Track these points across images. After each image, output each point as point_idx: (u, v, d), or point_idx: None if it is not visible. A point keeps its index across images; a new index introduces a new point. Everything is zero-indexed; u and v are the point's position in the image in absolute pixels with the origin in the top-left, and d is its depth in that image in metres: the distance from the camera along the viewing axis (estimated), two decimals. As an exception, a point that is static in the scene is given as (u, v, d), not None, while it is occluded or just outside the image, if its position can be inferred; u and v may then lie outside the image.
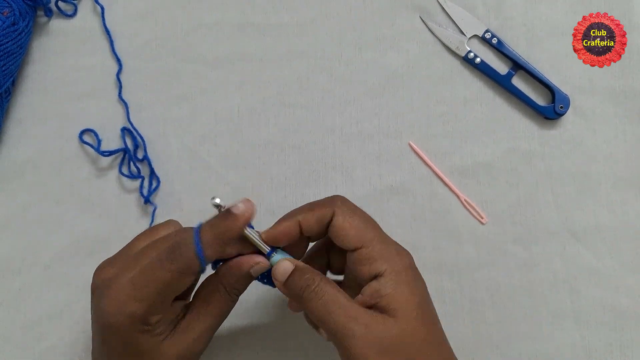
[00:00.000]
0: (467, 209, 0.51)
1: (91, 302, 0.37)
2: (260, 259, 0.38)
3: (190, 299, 0.40)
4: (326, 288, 0.36)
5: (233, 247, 0.38)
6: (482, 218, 0.51)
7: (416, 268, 0.38)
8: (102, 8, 0.53)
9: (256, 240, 0.38)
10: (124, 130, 0.51)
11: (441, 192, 0.52)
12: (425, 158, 0.52)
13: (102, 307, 0.35)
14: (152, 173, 0.51)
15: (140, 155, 0.51)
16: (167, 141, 0.52)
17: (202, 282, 0.40)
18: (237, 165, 0.52)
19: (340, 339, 0.34)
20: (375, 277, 0.36)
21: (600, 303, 0.50)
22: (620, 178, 0.52)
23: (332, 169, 0.52)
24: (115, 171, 0.51)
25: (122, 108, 0.52)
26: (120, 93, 0.52)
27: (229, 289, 0.38)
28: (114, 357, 0.37)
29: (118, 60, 0.52)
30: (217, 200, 0.37)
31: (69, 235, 0.51)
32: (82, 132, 0.52)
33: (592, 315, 0.50)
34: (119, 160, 0.52)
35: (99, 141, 0.51)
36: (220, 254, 0.37)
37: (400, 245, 0.39)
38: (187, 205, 0.51)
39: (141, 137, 0.51)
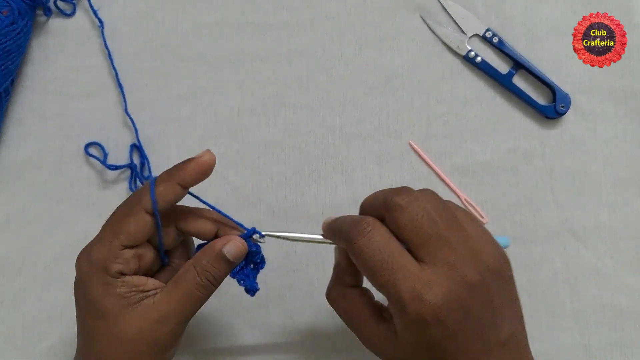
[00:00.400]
0: (467, 209, 0.51)
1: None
2: (234, 238, 0.38)
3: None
4: (346, 298, 0.37)
5: (201, 219, 0.39)
6: (482, 218, 0.51)
7: (441, 314, 0.32)
8: (102, 23, 0.52)
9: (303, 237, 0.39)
10: (132, 146, 0.51)
11: (441, 192, 0.51)
12: (426, 158, 0.52)
13: (75, 265, 0.37)
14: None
15: (145, 172, 0.51)
16: (167, 141, 0.52)
17: (181, 268, 0.39)
18: (237, 165, 0.52)
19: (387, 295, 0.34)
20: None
21: (600, 303, 0.50)
22: (621, 178, 0.52)
23: (332, 169, 0.52)
24: (115, 171, 0.51)
25: (121, 106, 0.52)
26: (126, 108, 0.52)
27: (199, 271, 0.37)
28: (80, 317, 0.38)
29: (120, 88, 0.52)
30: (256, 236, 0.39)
31: (69, 235, 0.50)
32: (88, 145, 0.51)
33: (592, 314, 0.50)
34: (118, 159, 0.52)
35: (105, 154, 0.51)
36: (175, 194, 0.37)
37: (440, 277, 0.32)
38: (187, 204, 0.51)
39: (146, 157, 0.51)
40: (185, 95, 0.52)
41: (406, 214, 0.33)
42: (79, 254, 0.37)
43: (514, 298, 0.36)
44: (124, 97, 0.52)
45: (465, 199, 0.51)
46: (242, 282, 0.40)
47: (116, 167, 0.51)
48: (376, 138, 0.52)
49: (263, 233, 0.40)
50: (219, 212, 0.40)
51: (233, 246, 0.38)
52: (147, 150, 0.51)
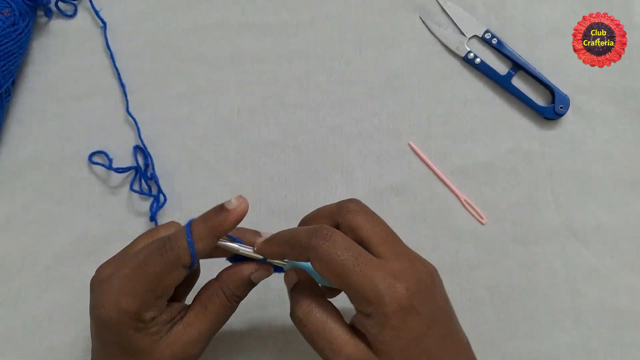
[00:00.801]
0: (467, 209, 0.51)
1: (90, 301, 0.38)
2: (261, 266, 0.39)
3: (188, 302, 0.40)
4: (314, 313, 0.36)
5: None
6: (482, 218, 0.51)
7: (418, 298, 0.33)
8: (104, 24, 0.52)
9: (248, 252, 0.39)
10: (136, 148, 0.51)
11: (441, 192, 0.52)
12: (425, 158, 0.52)
13: (98, 302, 0.36)
14: (160, 191, 0.50)
15: (149, 171, 0.51)
16: (167, 141, 0.52)
17: (203, 286, 0.40)
18: (237, 165, 0.52)
19: None
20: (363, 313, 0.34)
21: (600, 303, 0.50)
22: (620, 178, 0.52)
23: (332, 169, 0.52)
24: (115, 171, 0.52)
25: (122, 105, 0.52)
26: (127, 108, 0.52)
27: (227, 294, 0.38)
28: (110, 354, 0.37)
29: (122, 87, 0.52)
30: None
31: (69, 235, 0.50)
32: (92, 154, 0.51)
33: (592, 314, 0.50)
34: (118, 159, 0.52)
35: (110, 160, 0.51)
36: (211, 247, 0.37)
37: (405, 267, 0.34)
38: (187, 205, 0.51)
39: (150, 157, 0.51)
40: (185, 95, 0.53)
41: (362, 215, 0.37)
42: (105, 302, 0.36)
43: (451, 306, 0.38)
44: (125, 97, 0.52)
45: (465, 200, 0.51)
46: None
47: (122, 170, 0.50)
48: (376, 138, 0.52)
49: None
50: (240, 243, 0.39)
51: (261, 274, 0.39)
52: (147, 150, 0.52)
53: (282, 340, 0.50)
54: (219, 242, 0.38)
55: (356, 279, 0.33)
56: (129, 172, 0.51)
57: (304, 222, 0.40)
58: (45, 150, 0.52)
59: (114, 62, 0.52)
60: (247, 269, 0.39)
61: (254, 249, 0.39)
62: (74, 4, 0.53)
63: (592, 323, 0.50)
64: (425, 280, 0.35)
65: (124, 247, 0.40)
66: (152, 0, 0.54)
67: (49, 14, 0.53)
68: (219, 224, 0.36)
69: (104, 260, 0.40)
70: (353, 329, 0.35)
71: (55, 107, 0.52)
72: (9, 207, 0.51)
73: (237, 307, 0.39)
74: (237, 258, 0.40)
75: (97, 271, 0.39)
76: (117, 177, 0.51)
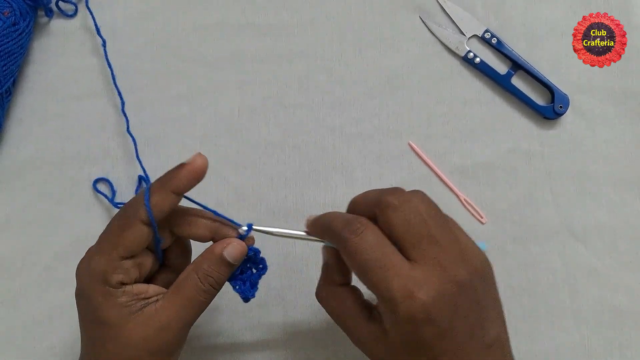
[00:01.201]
0: (467, 209, 0.51)
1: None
2: (234, 240, 0.38)
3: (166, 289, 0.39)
4: (335, 297, 0.38)
5: (196, 222, 0.39)
6: (481, 218, 0.51)
7: (434, 312, 0.32)
8: (104, 42, 0.52)
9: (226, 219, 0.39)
10: (140, 179, 0.51)
11: (441, 192, 0.52)
12: (425, 158, 0.52)
13: (76, 275, 0.37)
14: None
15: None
16: (168, 141, 0.52)
17: (182, 273, 0.39)
18: (237, 165, 0.52)
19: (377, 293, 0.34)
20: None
21: (599, 302, 0.50)
22: (620, 178, 0.52)
23: (332, 169, 0.52)
24: (115, 170, 0.51)
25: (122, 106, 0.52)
26: (128, 128, 0.51)
27: (200, 276, 0.37)
28: (83, 326, 0.38)
29: (117, 90, 0.52)
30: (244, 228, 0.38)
31: (70, 234, 0.51)
32: (96, 181, 0.51)
33: (592, 314, 0.50)
34: (119, 161, 0.52)
35: (114, 192, 0.51)
36: (168, 203, 0.36)
37: (426, 279, 0.33)
38: (187, 205, 0.51)
39: (147, 177, 0.50)
40: (185, 96, 0.53)
41: (399, 213, 0.34)
42: (79, 264, 0.38)
43: (497, 301, 0.37)
44: (121, 98, 0.51)
45: (465, 199, 0.51)
46: (237, 287, 0.40)
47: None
48: (376, 138, 0.52)
49: (253, 227, 0.39)
50: (214, 212, 0.39)
51: (233, 248, 0.38)
52: (147, 151, 0.52)
53: (282, 339, 0.50)
54: (257, 228, 0.38)
55: (375, 280, 0.33)
56: (128, 171, 0.51)
57: (352, 204, 0.39)
58: (46, 150, 0.52)
59: (114, 79, 0.52)
60: (218, 245, 0.38)
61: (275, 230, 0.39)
62: (74, 4, 0.53)
63: (591, 322, 0.50)
64: (449, 290, 0.33)
65: None
66: (152, 0, 0.54)
67: (49, 14, 0.53)
68: (172, 177, 0.36)
69: None
70: (376, 310, 0.36)
71: (56, 107, 0.52)
72: (9, 207, 0.51)
73: (214, 293, 0.38)
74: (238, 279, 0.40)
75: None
76: (117, 177, 0.51)
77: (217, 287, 0.38)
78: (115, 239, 0.36)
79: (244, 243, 0.39)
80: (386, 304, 0.33)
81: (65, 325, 0.49)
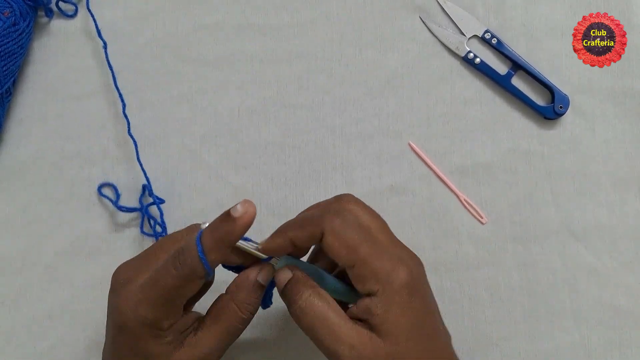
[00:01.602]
0: (467, 209, 0.51)
1: (108, 300, 0.38)
2: (263, 265, 0.38)
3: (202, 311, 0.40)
4: (314, 303, 0.36)
5: (238, 253, 0.38)
6: (481, 218, 0.51)
7: (418, 282, 0.36)
8: (105, 44, 0.52)
9: (251, 250, 0.38)
10: (144, 188, 0.51)
11: (441, 192, 0.52)
12: (425, 158, 0.52)
13: (117, 307, 0.36)
14: (163, 228, 0.50)
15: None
16: (168, 141, 0.52)
17: (215, 300, 0.39)
18: (237, 166, 0.52)
19: (328, 356, 0.35)
20: (368, 294, 0.35)
21: (599, 302, 0.50)
22: (620, 178, 0.52)
23: (332, 169, 0.52)
24: (116, 170, 0.52)
25: (122, 107, 0.52)
26: (129, 130, 0.51)
27: (238, 304, 0.38)
28: (123, 357, 0.37)
29: (118, 91, 0.52)
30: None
31: (70, 235, 0.51)
32: (101, 186, 0.51)
33: (592, 314, 0.50)
34: (119, 161, 0.52)
35: (118, 195, 0.51)
36: (224, 257, 0.36)
37: (404, 254, 0.37)
38: (188, 205, 0.51)
39: (148, 180, 0.50)
40: (185, 96, 0.53)
41: (360, 206, 0.39)
42: (122, 302, 0.36)
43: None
44: (122, 100, 0.51)
45: (465, 199, 0.51)
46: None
47: (127, 210, 0.50)
48: (376, 138, 0.52)
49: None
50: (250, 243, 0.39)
51: (266, 273, 0.38)
52: (148, 151, 0.52)
53: (282, 339, 0.50)
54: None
55: (368, 254, 0.35)
56: (128, 170, 0.51)
57: (281, 229, 0.39)
58: (46, 150, 0.52)
59: (115, 81, 0.52)
60: (252, 272, 0.38)
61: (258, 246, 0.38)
62: (74, 5, 0.53)
63: (591, 322, 0.50)
64: (420, 269, 0.37)
65: (144, 249, 0.40)
66: (152, 0, 0.54)
67: (49, 14, 0.53)
68: (227, 234, 0.35)
69: (108, 259, 0.40)
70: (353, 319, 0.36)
71: (56, 107, 0.52)
72: (10, 207, 0.51)
73: (251, 318, 0.38)
74: (233, 266, 0.40)
75: (116, 272, 0.38)
76: (117, 178, 0.52)
77: (253, 312, 0.38)
78: (170, 295, 0.35)
79: (271, 267, 0.39)
80: (381, 276, 0.35)
81: (65, 325, 0.49)
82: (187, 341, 0.37)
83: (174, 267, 0.35)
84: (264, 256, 0.38)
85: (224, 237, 0.35)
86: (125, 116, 0.51)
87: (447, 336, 0.38)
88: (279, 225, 0.51)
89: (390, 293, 0.34)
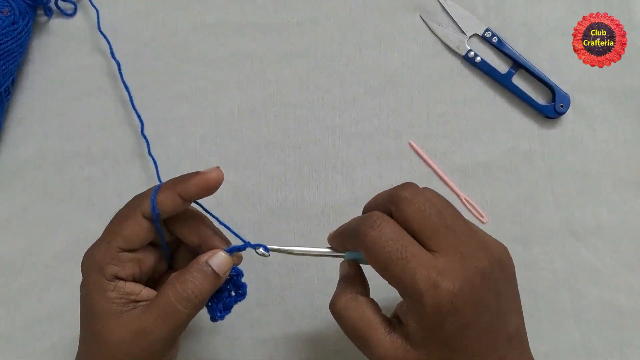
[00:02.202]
0: (468, 209, 0.51)
1: None
2: (220, 251, 0.37)
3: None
4: (353, 309, 0.36)
5: (197, 227, 0.38)
6: (482, 217, 0.51)
7: (459, 303, 0.32)
8: (97, 11, 0.52)
9: (314, 251, 0.39)
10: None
11: (441, 192, 0.51)
12: (426, 157, 0.52)
13: (81, 265, 0.38)
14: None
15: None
16: (168, 141, 0.52)
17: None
18: (237, 165, 0.52)
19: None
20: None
21: (600, 302, 0.50)
22: (620, 177, 0.52)
23: (332, 169, 0.52)
24: (115, 170, 0.51)
25: (122, 105, 0.52)
26: (149, 150, 0.50)
27: (180, 282, 0.36)
28: (80, 319, 0.38)
29: (126, 87, 0.52)
30: (262, 250, 0.38)
31: (70, 234, 0.50)
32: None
33: (592, 314, 0.50)
34: (119, 161, 0.52)
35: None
36: (173, 203, 0.36)
37: (448, 270, 0.32)
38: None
39: (159, 179, 0.49)
40: (185, 95, 0.53)
41: (414, 205, 0.34)
42: (85, 253, 0.38)
43: (517, 293, 0.36)
44: (129, 94, 0.51)
45: (466, 199, 0.51)
46: (208, 304, 0.39)
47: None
48: (376, 138, 0.52)
49: (268, 247, 0.39)
50: (222, 223, 0.39)
51: (218, 258, 0.37)
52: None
53: (283, 339, 0.50)
54: (274, 247, 0.38)
55: (398, 272, 0.32)
56: (128, 170, 0.51)
57: (365, 209, 0.39)
58: (46, 150, 0.52)
59: (121, 76, 0.52)
60: (204, 255, 0.37)
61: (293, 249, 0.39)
62: (73, 3, 0.53)
63: (592, 322, 0.50)
64: (472, 280, 0.33)
65: None
66: (152, 0, 0.54)
67: (48, 12, 0.53)
68: (183, 181, 0.36)
69: None
70: (395, 319, 0.35)
71: (56, 106, 0.52)
72: (9, 207, 0.51)
73: (196, 302, 0.36)
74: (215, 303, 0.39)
75: None
76: (117, 178, 0.51)
77: (198, 297, 0.36)
78: (115, 229, 0.36)
79: (229, 256, 0.37)
80: (411, 296, 0.32)
81: (65, 325, 0.49)
82: (131, 312, 0.36)
83: (127, 206, 0.37)
84: (328, 251, 0.39)
85: (179, 182, 0.36)
86: (138, 115, 0.50)
87: (497, 339, 0.34)
88: (278, 225, 0.51)
89: (421, 313, 0.32)
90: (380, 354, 0.34)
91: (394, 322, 0.35)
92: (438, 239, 0.33)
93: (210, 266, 0.36)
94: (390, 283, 0.34)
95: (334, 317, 0.37)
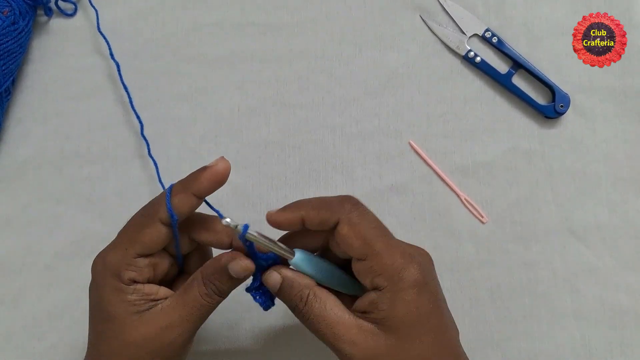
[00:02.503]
0: (468, 208, 0.51)
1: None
2: (241, 257, 0.37)
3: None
4: (314, 304, 0.36)
5: (215, 229, 0.38)
6: (482, 217, 0.51)
7: (428, 279, 0.36)
8: (97, 11, 0.52)
9: (268, 244, 0.36)
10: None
11: (441, 192, 0.52)
12: (426, 157, 0.52)
13: (91, 268, 0.37)
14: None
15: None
16: (168, 141, 0.52)
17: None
18: (238, 165, 0.52)
19: (334, 352, 0.36)
20: (375, 288, 0.35)
21: (600, 301, 0.50)
22: (620, 177, 0.52)
23: (332, 169, 0.52)
24: (115, 170, 0.51)
25: (122, 105, 0.52)
26: (149, 151, 0.50)
27: (205, 281, 0.37)
28: (91, 320, 0.38)
29: (125, 88, 0.52)
30: (228, 220, 0.35)
31: (70, 234, 0.50)
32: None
33: (592, 313, 0.50)
34: (119, 161, 0.52)
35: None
36: (189, 205, 0.36)
37: (415, 251, 0.37)
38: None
39: (160, 180, 0.49)
40: (185, 95, 0.53)
41: (364, 212, 0.37)
42: (96, 257, 0.37)
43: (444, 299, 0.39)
44: (129, 96, 0.51)
45: (465, 199, 0.51)
46: (257, 298, 0.39)
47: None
48: (376, 138, 0.52)
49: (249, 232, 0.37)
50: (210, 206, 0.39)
51: (237, 265, 0.37)
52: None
53: (283, 339, 0.50)
54: (251, 234, 0.36)
55: (382, 249, 0.35)
56: (128, 170, 0.51)
57: (294, 205, 0.38)
58: (46, 150, 0.52)
59: (120, 77, 0.52)
60: (224, 257, 0.37)
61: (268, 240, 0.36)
62: (73, 3, 0.53)
63: (592, 322, 0.50)
64: (430, 266, 0.38)
65: None
66: (152, 0, 0.54)
67: (48, 13, 0.53)
68: (194, 180, 0.36)
69: None
70: (356, 313, 0.36)
71: (55, 106, 0.52)
72: (9, 206, 0.51)
73: (217, 300, 0.37)
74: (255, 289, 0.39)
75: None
76: (117, 177, 0.51)
77: (220, 294, 0.37)
78: (133, 235, 0.36)
79: (250, 262, 0.37)
80: (391, 273, 0.34)
81: (65, 325, 0.49)
82: (152, 310, 0.36)
83: (141, 210, 0.37)
84: (283, 251, 0.37)
85: (191, 182, 0.36)
86: (137, 116, 0.50)
87: (453, 332, 0.38)
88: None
89: (398, 290, 0.34)
90: (350, 342, 0.35)
91: (359, 312, 0.36)
92: (390, 236, 0.37)
93: (228, 270, 0.37)
94: (364, 264, 0.35)
95: (300, 318, 0.37)
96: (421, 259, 0.36)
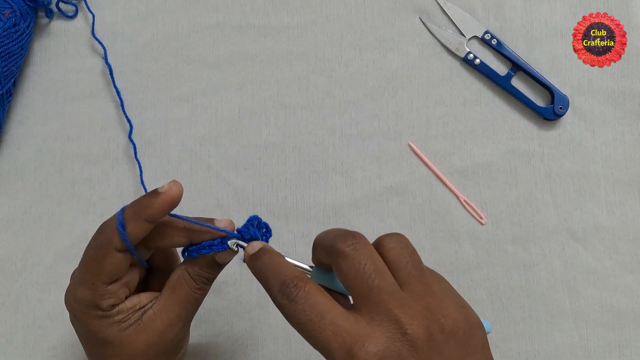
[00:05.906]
0: (467, 210, 0.51)
1: None
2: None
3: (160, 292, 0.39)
4: (315, 294, 0.32)
5: (170, 233, 0.37)
6: (481, 218, 0.51)
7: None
8: (93, 16, 0.52)
9: (297, 264, 0.37)
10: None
11: (441, 193, 0.52)
12: (425, 159, 0.52)
13: (65, 305, 0.37)
14: None
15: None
16: (168, 142, 0.52)
17: (173, 272, 0.39)
18: (238, 166, 0.52)
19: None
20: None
21: (599, 303, 0.50)
22: (619, 179, 0.52)
23: (332, 170, 0.52)
24: (116, 171, 0.52)
25: (122, 107, 0.52)
26: (136, 154, 0.51)
27: (193, 276, 0.37)
28: (85, 346, 0.38)
29: (117, 91, 0.52)
30: (232, 242, 0.37)
31: (70, 235, 0.51)
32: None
33: (591, 315, 0.50)
34: (119, 162, 0.52)
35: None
36: (142, 229, 0.36)
37: (376, 332, 0.30)
38: (187, 206, 0.51)
39: (144, 185, 0.50)
40: (185, 97, 0.53)
41: (349, 261, 0.31)
42: (66, 294, 0.37)
43: None
44: (120, 100, 0.51)
45: (465, 200, 0.51)
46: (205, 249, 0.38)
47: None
48: (376, 139, 0.52)
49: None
50: (192, 221, 0.38)
51: (225, 254, 0.38)
52: (148, 152, 0.52)
53: (283, 340, 0.50)
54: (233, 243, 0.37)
55: (315, 342, 0.31)
56: (128, 170, 0.52)
57: (314, 245, 0.36)
58: (46, 151, 0.52)
59: (110, 69, 0.52)
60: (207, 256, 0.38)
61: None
62: (74, 5, 0.53)
63: (591, 323, 0.50)
64: (398, 351, 0.29)
65: None
66: (152, 1, 0.54)
67: (49, 14, 0.53)
68: (147, 206, 0.35)
69: None
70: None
71: (56, 107, 0.52)
72: (10, 208, 0.51)
73: (207, 288, 0.38)
74: (193, 250, 0.38)
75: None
76: (117, 178, 0.52)
77: (209, 283, 0.38)
78: (94, 268, 0.36)
79: (234, 250, 0.37)
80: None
81: (65, 326, 0.49)
82: (144, 317, 0.37)
83: (94, 240, 0.36)
84: (308, 268, 0.37)
85: (144, 209, 0.35)
86: (127, 117, 0.51)
87: None
88: (278, 226, 0.51)
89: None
90: (339, 328, 0.30)
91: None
92: (367, 301, 0.31)
93: (216, 259, 0.38)
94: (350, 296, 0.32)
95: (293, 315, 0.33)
96: (366, 351, 0.29)
